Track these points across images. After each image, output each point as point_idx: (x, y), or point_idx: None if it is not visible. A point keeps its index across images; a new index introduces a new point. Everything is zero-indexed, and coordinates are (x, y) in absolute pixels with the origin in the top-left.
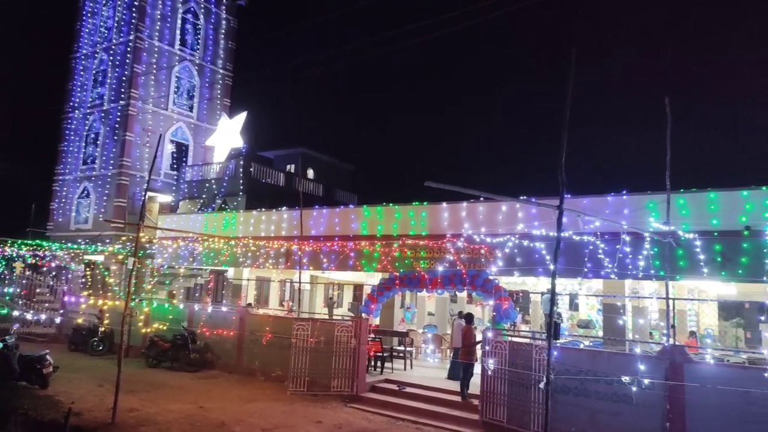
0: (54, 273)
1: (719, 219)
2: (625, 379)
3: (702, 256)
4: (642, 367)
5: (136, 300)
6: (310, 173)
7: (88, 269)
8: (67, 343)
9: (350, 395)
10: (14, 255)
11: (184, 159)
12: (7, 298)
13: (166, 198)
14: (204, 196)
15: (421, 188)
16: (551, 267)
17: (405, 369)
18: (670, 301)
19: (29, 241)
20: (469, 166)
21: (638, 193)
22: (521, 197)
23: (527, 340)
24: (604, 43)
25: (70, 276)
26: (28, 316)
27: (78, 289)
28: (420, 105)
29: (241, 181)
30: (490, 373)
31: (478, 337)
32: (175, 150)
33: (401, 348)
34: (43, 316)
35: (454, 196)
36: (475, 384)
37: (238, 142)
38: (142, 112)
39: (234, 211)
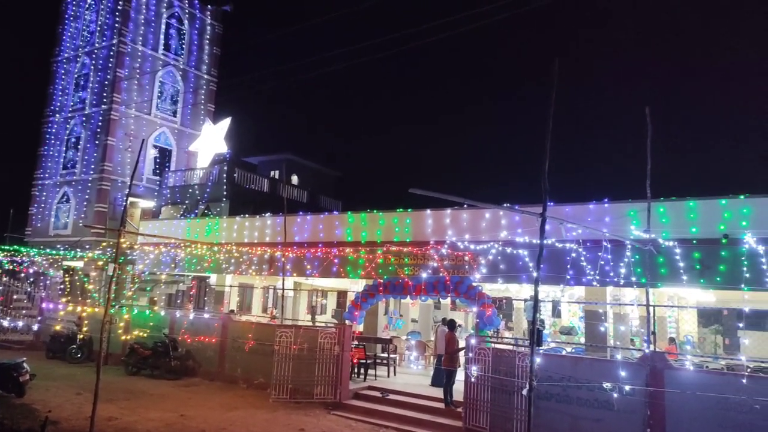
0: (32, 279)
1: (698, 227)
2: (607, 385)
3: (681, 264)
4: (623, 374)
5: (116, 307)
6: (295, 179)
7: (67, 275)
8: (45, 350)
9: (333, 402)
10: None
11: (167, 164)
12: None
13: (148, 203)
14: (187, 201)
15: (406, 195)
16: (534, 274)
17: (388, 376)
18: (651, 308)
19: (7, 247)
20: (454, 174)
21: (620, 202)
22: (505, 204)
23: (510, 347)
24: (586, 53)
25: (48, 282)
26: (5, 323)
27: (56, 296)
28: (406, 113)
29: (225, 187)
30: (473, 379)
31: (461, 344)
32: (158, 155)
33: (385, 355)
34: (20, 323)
35: (438, 204)
36: (458, 391)
37: (222, 148)
38: (125, 117)
39: (217, 217)
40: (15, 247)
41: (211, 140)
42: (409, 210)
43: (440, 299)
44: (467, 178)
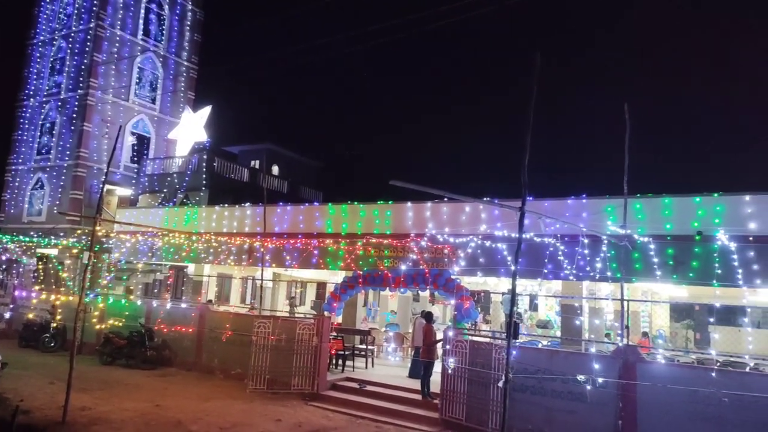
0: (4, 266)
1: (673, 224)
2: (581, 377)
3: (656, 260)
4: (597, 367)
5: (91, 295)
6: (275, 169)
7: (40, 263)
8: (18, 338)
9: (311, 393)
10: None
11: (146, 152)
12: None
13: (125, 191)
14: (165, 190)
15: (387, 187)
16: (512, 268)
17: (366, 367)
18: (625, 303)
19: None
20: (434, 167)
21: (597, 197)
22: (484, 198)
23: (487, 340)
24: (567, 49)
25: (21, 270)
26: None
27: (29, 284)
28: (388, 104)
29: (204, 176)
30: (450, 371)
31: (439, 336)
32: (136, 142)
33: (363, 346)
34: None
35: (419, 196)
36: (435, 382)
37: (202, 136)
38: (102, 103)
39: (196, 207)
40: None
41: (191, 128)
42: (389, 202)
43: (419, 291)
44: (448, 172)
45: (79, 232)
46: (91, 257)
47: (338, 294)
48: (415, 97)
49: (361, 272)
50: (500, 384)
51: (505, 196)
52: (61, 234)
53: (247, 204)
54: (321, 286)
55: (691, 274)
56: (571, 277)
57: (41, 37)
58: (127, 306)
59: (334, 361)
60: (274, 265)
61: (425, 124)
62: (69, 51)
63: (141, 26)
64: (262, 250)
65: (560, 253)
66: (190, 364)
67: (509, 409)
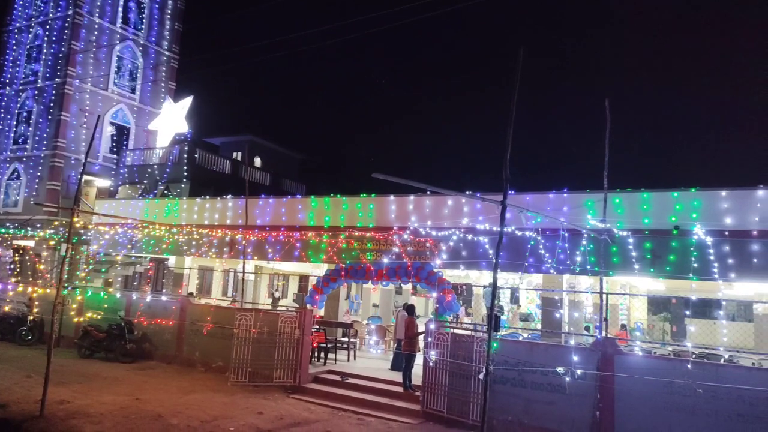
0: None
1: (651, 218)
2: (560, 369)
3: (634, 253)
4: (576, 359)
5: (69, 288)
6: (258, 162)
7: (17, 255)
8: None
9: (293, 386)
10: None
11: (125, 142)
12: None
13: (104, 182)
14: (146, 181)
15: (370, 180)
16: (494, 261)
17: (348, 360)
18: (604, 296)
19: None
20: (418, 161)
21: (578, 192)
22: (467, 192)
23: (469, 332)
24: (549, 44)
25: None
26: None
27: (6, 276)
28: (372, 97)
29: (185, 168)
30: (431, 364)
31: (421, 328)
32: (115, 133)
33: (345, 339)
34: None
35: (402, 190)
36: (417, 375)
37: (183, 127)
38: (80, 92)
39: (177, 198)
40: None
41: (172, 119)
42: (372, 195)
43: (402, 284)
44: (431, 166)
45: (56, 223)
46: (69, 249)
47: (320, 287)
48: (398, 90)
49: (343, 265)
50: (481, 376)
51: (488, 189)
52: (38, 225)
53: (229, 196)
54: (303, 278)
55: (668, 268)
56: (551, 271)
57: (17, 24)
58: (106, 299)
59: (316, 354)
60: (256, 257)
61: (408, 118)
62: (46, 38)
63: (120, 14)
64: (243, 242)
65: (541, 246)
66: (170, 357)
67: (489, 401)
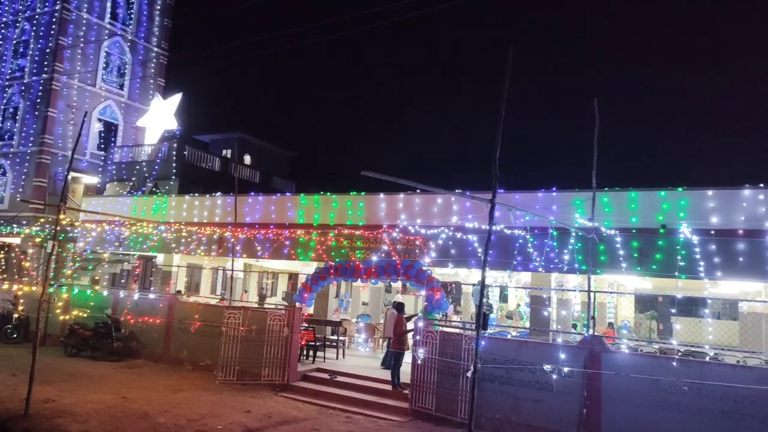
0: None
1: (638, 217)
2: (547, 367)
3: (621, 252)
4: (563, 356)
5: (55, 286)
6: (248, 159)
7: (2, 252)
8: None
9: (281, 384)
10: None
11: (113, 139)
12: None
13: (92, 179)
14: (134, 178)
15: (360, 178)
16: (483, 259)
17: (337, 358)
18: (592, 294)
19: None
20: (408, 159)
21: (566, 191)
22: (456, 190)
23: (458, 330)
24: (539, 42)
25: None
26: None
27: None
28: (362, 95)
29: (174, 165)
30: (420, 362)
31: (409, 326)
32: (103, 129)
33: (334, 337)
34: None
35: (392, 188)
36: (405, 373)
37: (172, 124)
38: (67, 88)
39: (166, 196)
40: None
41: (161, 116)
42: (362, 193)
43: (391, 283)
44: (422, 163)
45: (42, 220)
46: (55, 246)
47: (310, 285)
48: (389, 88)
49: (333, 263)
50: (469, 374)
51: (477, 188)
52: (24, 222)
53: (218, 193)
54: (293, 277)
55: (654, 267)
56: (540, 269)
57: (4, 19)
58: (92, 297)
59: (305, 352)
60: (245, 255)
61: (399, 116)
62: (33, 34)
63: (108, 9)
64: (232, 240)
65: (530, 245)
66: (158, 355)
67: (478, 399)
